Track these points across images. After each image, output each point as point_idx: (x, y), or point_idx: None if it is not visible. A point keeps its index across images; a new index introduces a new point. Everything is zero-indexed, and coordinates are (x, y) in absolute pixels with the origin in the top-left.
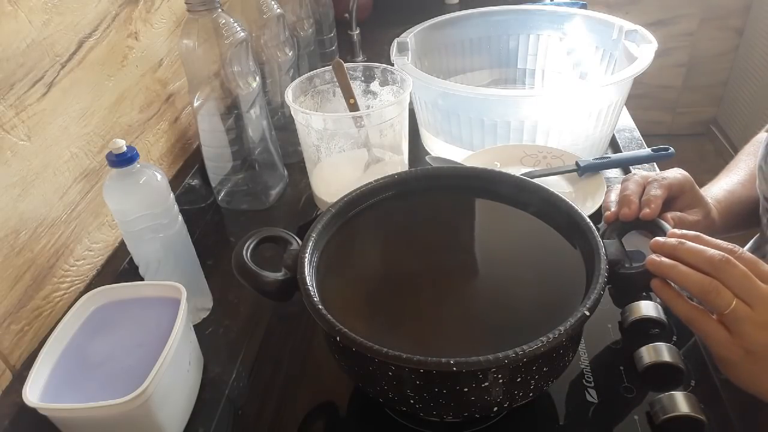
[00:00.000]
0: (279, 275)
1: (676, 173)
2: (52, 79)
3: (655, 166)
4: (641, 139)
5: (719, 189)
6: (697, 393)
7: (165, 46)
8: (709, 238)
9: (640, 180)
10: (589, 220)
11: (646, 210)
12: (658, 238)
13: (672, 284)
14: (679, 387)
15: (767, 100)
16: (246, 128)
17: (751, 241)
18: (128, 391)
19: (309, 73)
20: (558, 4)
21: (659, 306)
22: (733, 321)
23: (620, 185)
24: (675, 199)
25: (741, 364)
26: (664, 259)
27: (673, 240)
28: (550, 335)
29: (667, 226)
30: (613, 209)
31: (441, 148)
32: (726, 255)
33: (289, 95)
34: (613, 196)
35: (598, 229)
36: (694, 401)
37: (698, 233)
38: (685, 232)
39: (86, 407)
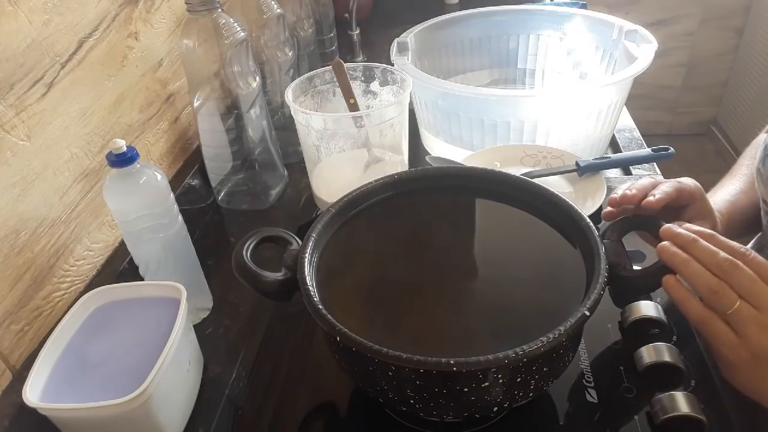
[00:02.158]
0: (279, 275)
1: (689, 181)
2: (52, 79)
3: (655, 166)
4: (641, 139)
5: (722, 200)
6: (697, 393)
7: (165, 46)
8: (723, 238)
9: (653, 180)
10: (589, 220)
11: (650, 198)
12: (671, 225)
13: (684, 283)
14: (679, 387)
15: (767, 100)
16: (246, 128)
17: (752, 242)
18: (128, 391)
19: (309, 73)
20: (558, 4)
21: (659, 306)
22: (739, 322)
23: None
24: (685, 208)
25: (744, 367)
26: (678, 251)
27: (688, 234)
28: (550, 335)
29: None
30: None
31: (441, 148)
32: (734, 260)
33: (289, 95)
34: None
35: (598, 229)
36: (694, 401)
37: (713, 232)
38: (700, 229)
39: (86, 407)
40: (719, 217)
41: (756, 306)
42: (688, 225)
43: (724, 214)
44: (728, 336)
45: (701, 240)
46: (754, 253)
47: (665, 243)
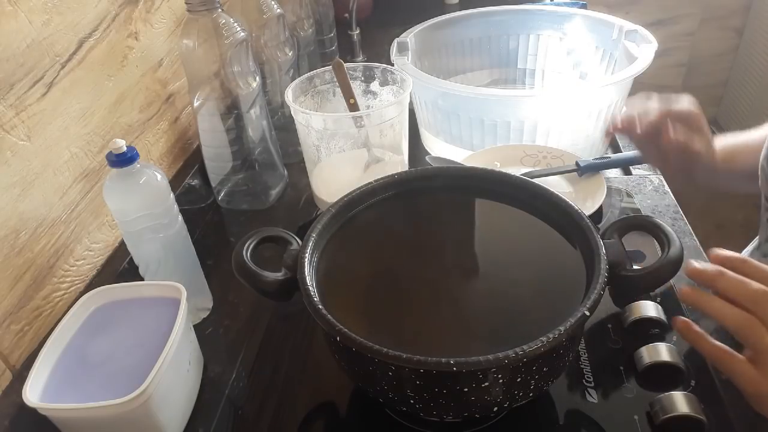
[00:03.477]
0: (279, 275)
1: (687, 104)
2: (52, 79)
3: None
4: None
5: (733, 138)
6: (697, 393)
7: (165, 46)
8: (756, 263)
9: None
10: (589, 220)
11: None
12: (695, 264)
13: (695, 325)
14: (679, 387)
15: (767, 100)
16: (246, 128)
17: (754, 241)
18: (128, 391)
19: (309, 73)
20: (558, 4)
21: (659, 306)
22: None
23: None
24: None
25: None
26: (701, 292)
27: (712, 268)
28: (550, 335)
29: (670, 231)
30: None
31: (441, 148)
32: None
33: (289, 95)
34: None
35: (598, 229)
36: (694, 401)
37: (745, 258)
38: (728, 255)
39: (86, 407)
40: (720, 147)
41: None
42: (716, 253)
43: (726, 147)
44: (748, 372)
45: (728, 273)
46: None
47: (686, 288)
